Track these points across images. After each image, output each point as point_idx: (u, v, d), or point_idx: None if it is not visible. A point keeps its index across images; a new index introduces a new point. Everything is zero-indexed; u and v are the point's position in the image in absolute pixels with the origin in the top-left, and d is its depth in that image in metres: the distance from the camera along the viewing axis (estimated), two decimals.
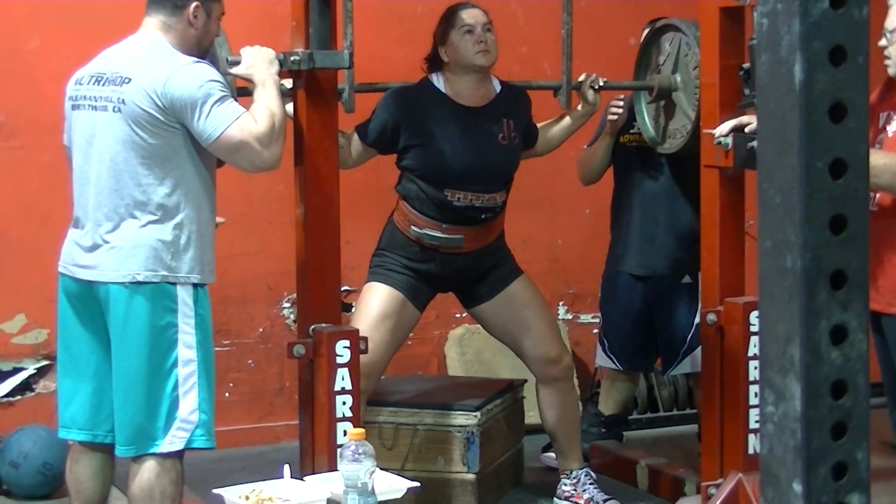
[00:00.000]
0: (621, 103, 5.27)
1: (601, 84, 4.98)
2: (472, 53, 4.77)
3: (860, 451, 1.35)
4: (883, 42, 4.28)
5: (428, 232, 4.81)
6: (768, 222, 1.36)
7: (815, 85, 1.30)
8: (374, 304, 4.81)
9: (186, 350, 3.89)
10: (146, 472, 3.90)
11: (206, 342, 3.96)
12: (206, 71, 3.90)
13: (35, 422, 5.53)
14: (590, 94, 4.98)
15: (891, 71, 4.29)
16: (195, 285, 3.94)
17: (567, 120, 5.10)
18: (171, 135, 3.88)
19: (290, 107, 4.34)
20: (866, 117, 1.34)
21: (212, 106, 3.83)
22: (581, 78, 4.98)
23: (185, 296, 3.91)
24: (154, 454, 3.89)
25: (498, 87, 4.95)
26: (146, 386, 3.86)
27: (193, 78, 3.86)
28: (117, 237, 3.90)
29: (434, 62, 4.89)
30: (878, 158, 4.12)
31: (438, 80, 4.86)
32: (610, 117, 5.30)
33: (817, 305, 1.32)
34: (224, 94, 3.87)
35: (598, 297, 5.79)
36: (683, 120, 5.05)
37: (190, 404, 3.91)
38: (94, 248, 3.93)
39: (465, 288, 5.03)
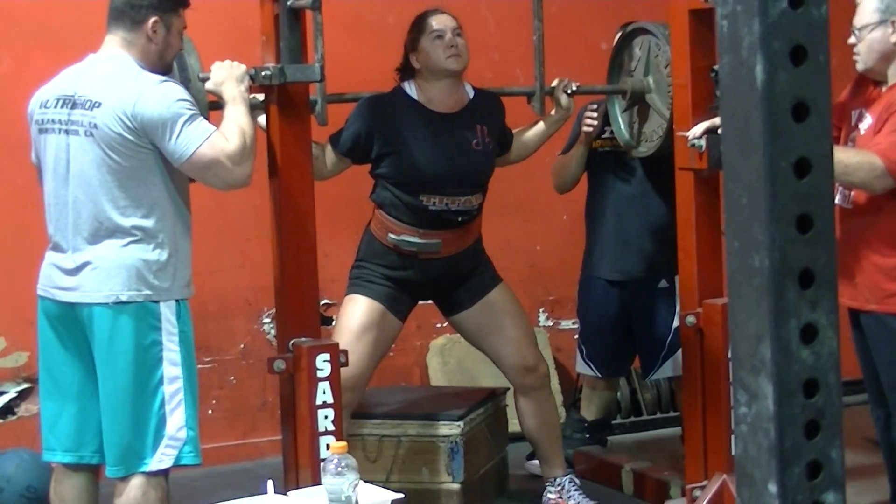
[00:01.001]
0: (595, 114, 5.28)
1: (574, 89, 4.99)
2: (444, 58, 4.77)
3: (834, 450, 1.35)
4: (852, 40, 4.30)
5: (405, 238, 4.81)
6: (735, 222, 1.36)
7: (777, 85, 1.30)
8: (355, 316, 4.81)
9: (172, 367, 3.89)
10: (133, 491, 3.89)
11: (189, 358, 3.96)
12: (174, 91, 3.90)
13: (18, 445, 5.51)
14: (563, 98, 4.98)
15: (859, 67, 4.31)
16: (177, 301, 3.94)
17: (541, 126, 5.11)
18: (145, 156, 3.88)
19: (262, 119, 4.34)
20: (829, 116, 1.34)
21: (182, 126, 3.83)
22: (554, 83, 4.98)
23: (168, 313, 3.91)
24: (142, 472, 3.88)
25: (471, 93, 4.95)
26: (133, 405, 3.86)
27: (163, 98, 3.86)
28: (99, 259, 3.89)
29: (406, 70, 4.89)
30: (850, 156, 4.13)
31: (411, 88, 4.87)
32: (585, 128, 5.31)
33: (786, 304, 1.33)
34: (193, 112, 3.87)
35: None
36: (658, 121, 5.06)
37: (177, 421, 3.90)
38: (75, 270, 3.92)
39: (445, 294, 5.03)
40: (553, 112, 5.03)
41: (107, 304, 3.86)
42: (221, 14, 5.81)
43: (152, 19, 3.98)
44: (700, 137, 4.55)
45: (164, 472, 3.94)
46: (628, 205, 5.40)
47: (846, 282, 4.34)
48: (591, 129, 5.28)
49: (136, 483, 3.89)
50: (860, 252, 4.31)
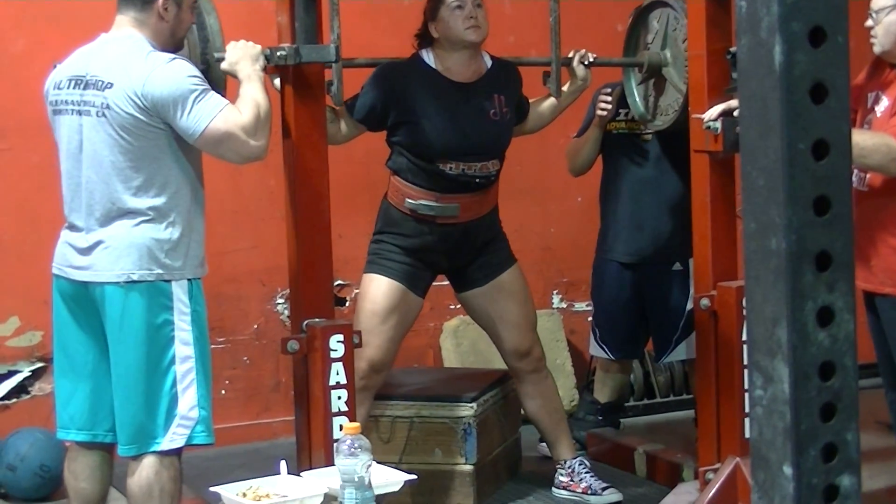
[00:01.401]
0: (610, 97, 5.26)
1: (591, 60, 4.98)
2: (463, 29, 4.76)
3: (850, 433, 1.35)
4: (869, 22, 4.29)
5: (423, 202, 4.80)
6: (752, 204, 1.36)
7: (796, 66, 1.30)
8: (378, 299, 4.80)
9: (183, 347, 3.89)
10: (145, 470, 3.90)
11: (202, 338, 3.96)
12: (183, 67, 3.89)
13: (31, 424, 5.53)
14: (580, 69, 4.97)
15: (876, 50, 4.30)
16: (189, 280, 3.95)
17: (556, 100, 5.09)
18: (156, 135, 3.88)
19: (277, 81, 4.34)
20: (847, 97, 1.33)
21: (193, 101, 3.82)
22: (571, 54, 4.98)
23: (180, 292, 3.91)
24: (154, 452, 3.89)
25: (489, 63, 4.94)
26: (145, 384, 3.86)
27: (173, 76, 3.86)
28: (111, 238, 3.89)
29: (424, 38, 4.87)
30: (867, 139, 4.12)
31: (429, 56, 4.85)
32: (599, 112, 5.30)
33: (803, 287, 1.32)
34: (204, 87, 3.87)
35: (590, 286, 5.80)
36: (675, 95, 5.04)
37: (189, 401, 3.91)
38: (88, 249, 3.92)
39: (461, 268, 5.01)
40: (570, 83, 5.02)
41: (118, 283, 3.86)
42: None
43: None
44: (715, 120, 4.53)
45: (177, 452, 3.95)
46: (642, 187, 5.39)
47: (861, 265, 4.33)
48: (605, 112, 5.26)
49: (148, 462, 3.90)
50: (875, 235, 4.30)
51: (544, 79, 4.97)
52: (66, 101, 3.97)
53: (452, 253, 4.94)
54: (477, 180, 4.82)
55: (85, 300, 3.96)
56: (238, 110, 3.87)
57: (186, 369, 3.90)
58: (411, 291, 4.86)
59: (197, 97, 3.83)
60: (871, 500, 4.70)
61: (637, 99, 5.25)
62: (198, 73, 3.92)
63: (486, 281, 4.99)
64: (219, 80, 4.13)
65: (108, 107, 3.87)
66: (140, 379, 3.87)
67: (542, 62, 5.02)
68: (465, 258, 4.97)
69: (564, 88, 5.02)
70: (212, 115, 3.83)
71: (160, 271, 3.88)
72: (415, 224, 4.84)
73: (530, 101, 5.10)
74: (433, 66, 4.84)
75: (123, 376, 3.88)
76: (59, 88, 4.01)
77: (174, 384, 3.88)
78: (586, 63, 4.96)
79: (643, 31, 5.21)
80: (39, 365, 5.77)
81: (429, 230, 4.85)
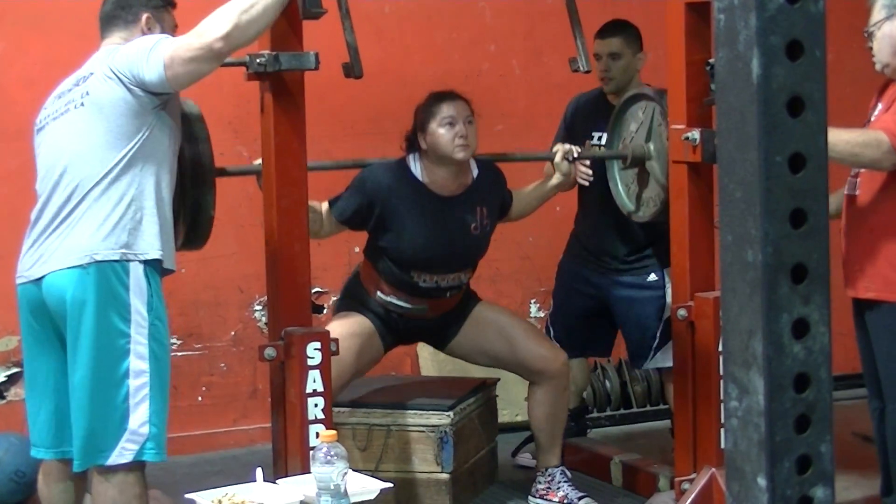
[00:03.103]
0: (590, 170, 5.21)
1: (575, 156, 5.01)
2: (452, 147, 4.78)
3: (824, 444, 1.36)
4: (869, 43, 4.32)
5: (392, 300, 4.92)
6: (729, 216, 1.37)
7: (773, 79, 1.31)
8: (345, 323, 4.86)
9: (138, 361, 3.78)
10: (110, 490, 3.79)
11: (160, 352, 3.85)
12: (149, 36, 3.91)
13: (6, 429, 5.51)
14: (563, 165, 5.02)
15: (877, 67, 4.33)
16: (151, 263, 3.84)
17: (542, 190, 5.18)
18: (133, 112, 3.81)
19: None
20: (824, 111, 1.34)
21: (150, 51, 3.80)
22: (556, 149, 5.04)
23: (139, 274, 3.80)
24: (113, 468, 3.80)
25: (475, 172, 4.98)
26: (97, 395, 3.76)
27: (135, 42, 3.88)
28: (68, 226, 3.83)
29: (413, 143, 4.90)
30: (856, 136, 4.18)
31: (416, 166, 4.88)
32: (581, 181, 5.24)
33: (779, 299, 1.33)
34: (162, 37, 3.85)
35: None
36: (657, 189, 5.05)
37: (140, 417, 3.79)
38: (44, 237, 3.86)
39: (430, 338, 5.16)
40: (554, 178, 5.09)
41: (77, 265, 3.77)
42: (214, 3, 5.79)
43: (145, 16, 3.99)
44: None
45: (140, 466, 3.87)
46: (613, 203, 5.37)
47: (851, 271, 4.36)
48: (586, 183, 5.22)
49: (110, 480, 3.80)
50: (865, 239, 4.33)
51: (571, 66, 5.00)
52: (49, 115, 3.97)
53: (419, 335, 5.12)
54: (448, 293, 4.95)
55: (42, 312, 3.87)
56: (195, 30, 3.82)
57: (140, 384, 3.79)
58: (377, 336, 4.94)
59: (152, 48, 3.81)
60: None
61: (620, 187, 5.26)
62: (164, 35, 3.92)
63: (459, 327, 5.09)
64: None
65: (87, 93, 3.87)
66: (92, 390, 3.77)
67: (543, 157, 5.09)
68: (432, 333, 5.10)
69: (550, 182, 5.12)
70: (164, 52, 3.79)
71: (124, 251, 3.79)
72: (383, 311, 4.96)
73: (515, 191, 5.16)
74: (419, 177, 4.87)
75: (77, 388, 3.79)
76: (44, 109, 4.01)
77: (126, 398, 3.77)
78: (570, 159, 5.01)
79: (629, 118, 5.20)
80: (15, 370, 5.75)
81: (395, 320, 4.97)
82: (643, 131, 5.09)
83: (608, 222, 5.40)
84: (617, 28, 5.40)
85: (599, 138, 5.39)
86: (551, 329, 5.64)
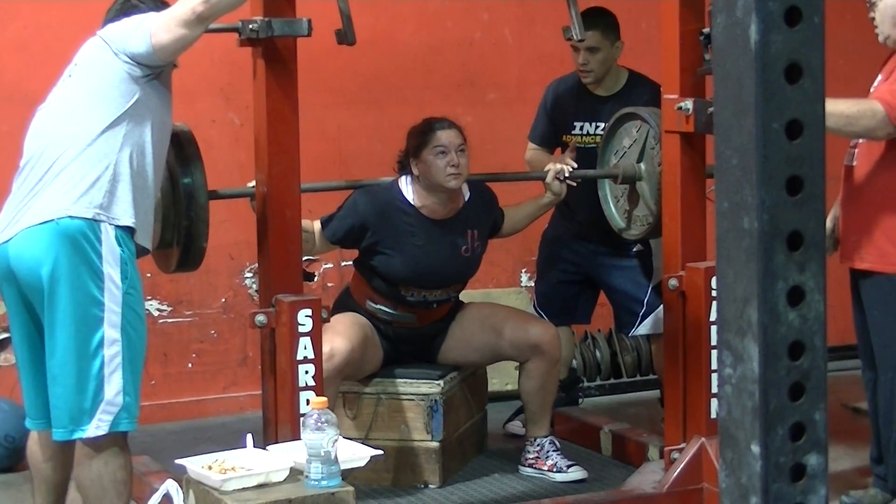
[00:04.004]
0: (574, 183, 5.19)
1: (567, 175, 5.00)
2: (444, 175, 4.81)
3: (818, 412, 1.36)
4: (871, 14, 4.31)
5: (382, 307, 4.98)
6: (725, 184, 1.36)
7: (771, 46, 1.30)
8: (347, 318, 4.92)
9: (112, 330, 3.74)
10: (95, 463, 3.78)
11: (134, 320, 3.81)
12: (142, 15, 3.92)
13: None
14: (555, 185, 5.02)
15: (880, 39, 4.34)
16: (124, 229, 3.80)
17: (533, 207, 5.19)
18: (119, 79, 3.80)
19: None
20: (822, 78, 1.33)
21: (139, 23, 3.82)
22: (547, 167, 5.04)
23: (110, 238, 3.75)
24: (92, 440, 3.78)
25: (467, 195, 5.01)
26: (75, 366, 3.73)
27: (128, 20, 3.89)
28: (42, 188, 3.80)
29: (405, 166, 4.92)
30: (851, 106, 4.20)
31: (407, 190, 4.92)
32: (568, 183, 5.20)
33: (774, 267, 1.32)
34: (151, 14, 3.87)
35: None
36: (646, 209, 5.04)
37: (115, 386, 3.76)
38: (19, 203, 3.83)
39: (419, 351, 5.15)
40: (546, 196, 5.09)
41: (50, 220, 3.73)
42: None
43: None
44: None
45: (123, 436, 3.85)
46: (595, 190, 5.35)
47: (848, 241, 4.37)
48: (574, 184, 5.17)
49: (94, 453, 3.79)
50: (862, 210, 4.34)
51: (565, 34, 4.96)
52: (42, 105, 3.96)
53: (407, 344, 5.10)
54: (435, 304, 5.01)
55: (11, 281, 3.83)
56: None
57: (113, 353, 3.75)
58: (377, 335, 5.01)
59: (141, 20, 3.82)
60: (837, 481, 4.73)
61: (612, 208, 5.24)
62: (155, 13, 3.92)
63: (445, 332, 5.13)
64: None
65: (76, 65, 3.89)
66: (68, 361, 3.74)
67: (540, 176, 5.06)
68: (420, 345, 5.13)
69: (540, 202, 5.13)
70: (150, 23, 3.81)
71: (97, 210, 3.74)
72: (373, 318, 5.01)
73: (506, 208, 5.17)
74: (411, 200, 4.91)
75: (53, 357, 3.77)
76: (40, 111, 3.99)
77: (102, 367, 3.74)
78: (561, 178, 5.00)
79: (622, 135, 5.16)
80: (4, 336, 5.73)
81: (383, 327, 5.03)
82: (636, 149, 5.07)
83: (592, 203, 5.38)
84: (593, 20, 5.23)
85: (581, 128, 5.40)
86: (536, 298, 5.66)
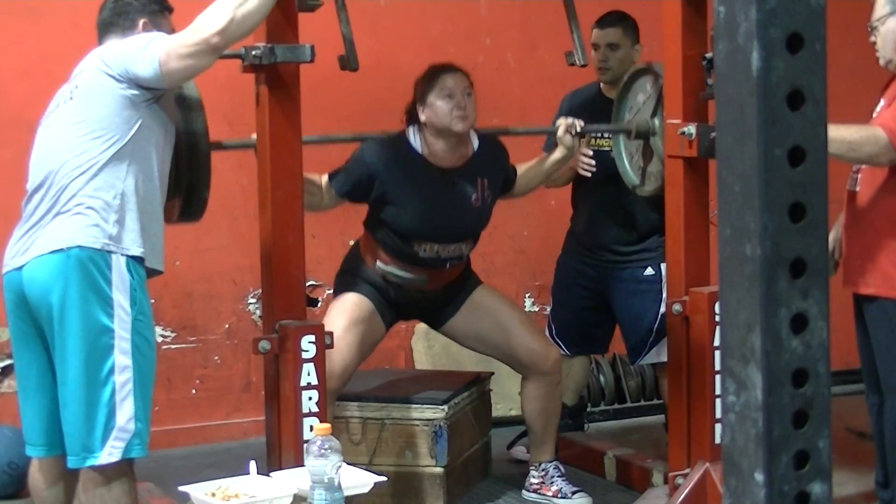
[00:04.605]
0: (593, 160, 5.24)
1: (578, 130, 4.99)
2: (451, 119, 4.77)
3: (822, 440, 1.35)
4: (872, 38, 4.31)
5: (393, 270, 4.88)
6: (728, 210, 1.36)
7: (773, 72, 1.30)
8: (346, 309, 4.84)
9: (122, 356, 3.75)
10: (99, 489, 3.78)
11: (143, 346, 3.82)
12: (142, 35, 3.89)
13: (0, 421, 5.49)
14: (567, 139, 4.99)
15: (881, 62, 4.33)
16: (134, 258, 3.81)
17: (545, 165, 5.14)
18: (123, 102, 3.80)
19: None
20: (824, 104, 1.33)
21: (145, 47, 3.79)
22: (559, 122, 5.01)
23: (121, 266, 3.76)
24: (102, 467, 3.77)
25: (476, 144, 4.96)
26: (85, 393, 3.73)
27: (130, 39, 3.86)
28: (53, 216, 3.79)
29: (412, 116, 4.88)
30: (853, 132, 4.19)
31: (415, 139, 4.87)
32: (582, 172, 5.27)
33: (777, 293, 1.32)
34: (157, 35, 3.84)
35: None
36: (660, 165, 5.04)
37: (126, 413, 3.76)
38: (30, 229, 3.83)
39: (428, 315, 5.12)
40: (557, 152, 5.06)
41: (60, 249, 3.74)
42: None
43: (142, 21, 3.97)
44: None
45: (129, 463, 3.85)
46: (615, 194, 5.39)
47: (851, 266, 4.37)
48: (587, 174, 5.25)
49: (99, 478, 3.79)
50: (865, 235, 4.34)
51: (568, 59, 4.99)
52: (47, 115, 3.96)
53: (418, 308, 5.06)
54: (448, 264, 4.92)
55: (22, 305, 3.83)
56: (191, 27, 3.80)
57: (124, 380, 3.75)
58: (378, 315, 4.91)
59: (147, 44, 3.79)
60: None
61: (627, 164, 5.25)
62: (159, 33, 3.89)
63: (457, 309, 5.06)
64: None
65: (77, 87, 3.86)
66: (79, 389, 3.74)
67: (546, 130, 5.04)
68: (431, 309, 5.07)
69: (552, 157, 5.09)
70: (159, 49, 3.77)
71: (106, 241, 3.75)
72: (382, 282, 4.92)
73: (518, 167, 5.14)
74: (419, 149, 4.86)
75: (65, 387, 3.77)
76: (45, 116, 3.99)
77: (113, 394, 3.75)
78: (573, 133, 4.98)
79: (636, 90, 5.19)
80: (7, 362, 5.73)
81: (394, 291, 4.94)
82: (650, 104, 5.08)
83: (603, 212, 5.42)
84: (616, 19, 5.42)
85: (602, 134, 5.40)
86: (552, 326, 5.64)
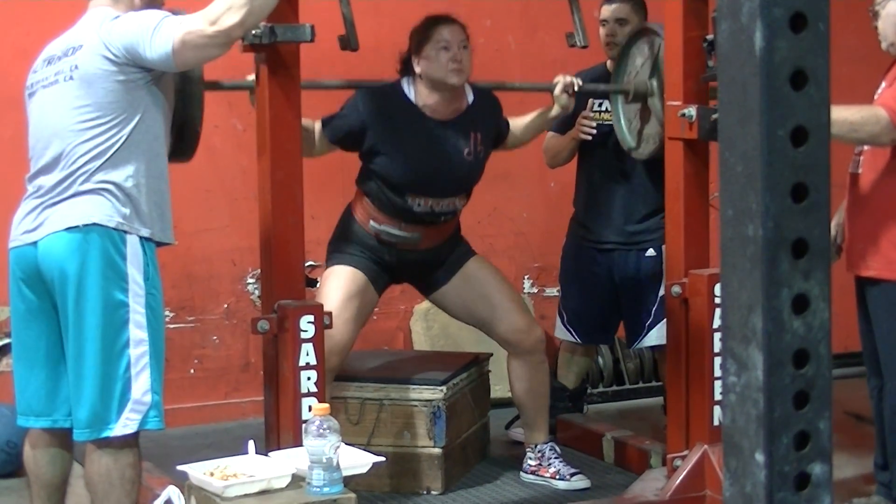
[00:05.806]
0: (593, 123, 5.25)
1: (576, 88, 4.97)
2: (446, 71, 4.74)
3: (822, 421, 1.35)
4: (874, 22, 4.31)
5: (386, 228, 4.85)
6: (730, 191, 1.35)
7: (776, 52, 1.29)
8: (340, 284, 4.81)
9: (138, 330, 3.79)
10: (104, 458, 3.81)
11: (156, 321, 3.85)
12: (145, 12, 3.86)
13: None
14: (563, 97, 4.97)
15: (883, 46, 4.33)
16: (146, 239, 3.84)
17: (538, 120, 5.13)
18: (126, 89, 3.79)
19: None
20: (827, 84, 1.33)
21: (154, 30, 3.76)
22: (556, 80, 4.98)
23: (136, 244, 3.80)
24: (109, 438, 3.81)
25: (470, 97, 4.93)
26: (101, 367, 3.76)
27: (133, 19, 3.83)
28: (67, 197, 3.80)
29: (406, 67, 4.85)
30: (854, 113, 4.20)
31: (409, 89, 4.84)
32: (583, 136, 5.29)
33: (779, 274, 1.32)
34: (164, 16, 3.81)
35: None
36: (657, 126, 5.04)
37: (143, 385, 3.81)
38: (42, 207, 3.85)
39: (421, 278, 5.07)
40: (553, 109, 5.03)
41: (74, 226, 3.76)
42: None
43: None
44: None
45: (133, 437, 3.87)
46: (615, 174, 5.40)
47: (853, 249, 4.37)
48: (588, 137, 5.26)
49: (106, 450, 3.81)
50: (867, 218, 4.34)
51: (569, 40, 4.98)
52: (37, 81, 3.94)
53: (411, 269, 5.01)
54: (442, 217, 4.89)
55: (36, 279, 3.86)
56: (202, 13, 3.78)
57: (140, 353, 3.80)
58: (371, 285, 4.89)
59: (156, 27, 3.76)
60: (841, 488, 4.72)
61: (623, 126, 5.25)
62: (163, 12, 3.87)
63: (448, 277, 5.04)
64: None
65: (76, 67, 3.83)
66: (96, 362, 3.77)
67: (545, 87, 5.02)
68: (424, 271, 5.03)
69: (547, 114, 5.07)
70: (172, 35, 3.75)
71: (120, 220, 3.78)
72: (375, 243, 4.90)
73: (512, 119, 5.11)
74: (413, 100, 4.82)
75: (80, 360, 3.79)
76: (34, 72, 3.99)
77: (128, 368, 3.78)
78: (570, 92, 4.96)
79: (635, 52, 5.19)
80: (6, 341, 5.73)
81: (387, 251, 4.92)
82: (648, 66, 5.08)
83: (606, 190, 5.41)
84: None
85: (600, 104, 5.38)
86: (564, 314, 5.63)
